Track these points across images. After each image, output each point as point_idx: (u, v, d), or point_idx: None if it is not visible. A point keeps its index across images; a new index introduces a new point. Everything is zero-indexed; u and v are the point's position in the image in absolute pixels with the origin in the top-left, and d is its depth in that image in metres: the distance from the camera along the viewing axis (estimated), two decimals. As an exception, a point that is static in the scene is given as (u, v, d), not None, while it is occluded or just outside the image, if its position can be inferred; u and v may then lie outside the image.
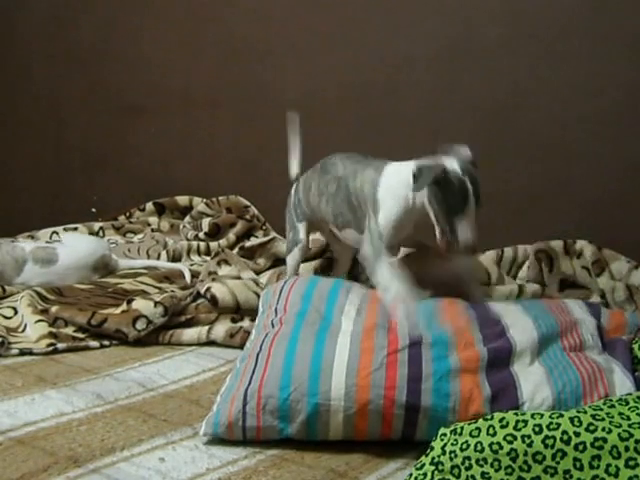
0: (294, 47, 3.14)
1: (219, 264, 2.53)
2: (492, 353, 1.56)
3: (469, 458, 1.18)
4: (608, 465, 1.12)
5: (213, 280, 2.33)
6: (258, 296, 2.27)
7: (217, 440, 1.50)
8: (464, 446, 1.19)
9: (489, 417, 1.23)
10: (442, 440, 1.23)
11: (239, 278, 2.43)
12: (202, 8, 3.36)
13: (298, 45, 3.13)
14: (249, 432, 1.49)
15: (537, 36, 2.68)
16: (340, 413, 1.47)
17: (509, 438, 1.17)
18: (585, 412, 1.20)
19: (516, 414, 1.21)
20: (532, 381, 1.51)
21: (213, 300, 2.23)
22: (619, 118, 2.58)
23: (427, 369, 1.51)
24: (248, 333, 2.05)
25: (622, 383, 1.53)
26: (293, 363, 1.54)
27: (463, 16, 2.79)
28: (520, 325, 1.65)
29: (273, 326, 1.72)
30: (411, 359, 1.53)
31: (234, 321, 2.20)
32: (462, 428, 1.22)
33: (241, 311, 2.24)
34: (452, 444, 1.20)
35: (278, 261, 2.74)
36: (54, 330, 2.09)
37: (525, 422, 1.19)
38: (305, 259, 2.65)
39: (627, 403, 1.24)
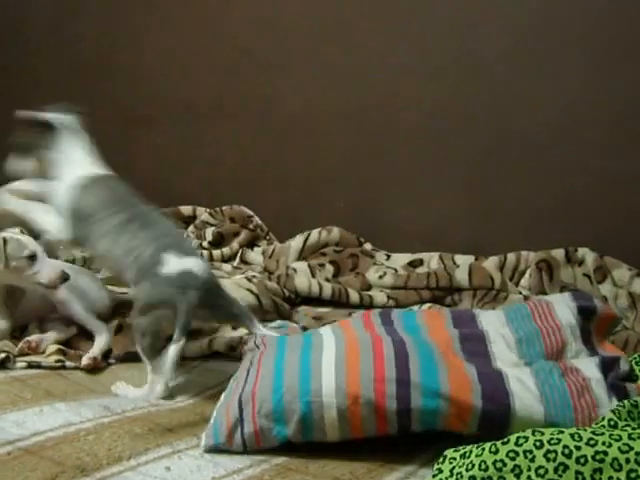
0: (297, 59, 3.16)
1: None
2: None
3: (474, 477, 1.20)
4: (610, 477, 1.14)
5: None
6: (251, 292, 2.34)
7: (222, 449, 1.51)
8: (469, 466, 1.22)
9: None
10: (451, 463, 1.26)
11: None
12: (206, 20, 3.38)
13: (301, 57, 3.15)
14: (248, 439, 1.51)
15: (537, 50, 2.70)
16: (333, 409, 1.50)
17: (511, 454, 1.19)
18: (585, 430, 1.22)
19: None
20: (520, 388, 1.52)
21: None
22: (618, 130, 2.60)
23: (414, 365, 1.54)
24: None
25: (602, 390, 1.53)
26: (283, 369, 1.59)
27: (463, 30, 2.81)
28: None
29: (258, 347, 1.78)
30: (397, 357, 1.56)
31: (234, 327, 2.21)
32: (470, 452, 1.25)
33: None
34: (459, 466, 1.23)
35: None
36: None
37: (526, 438, 1.21)
38: None
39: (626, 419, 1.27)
